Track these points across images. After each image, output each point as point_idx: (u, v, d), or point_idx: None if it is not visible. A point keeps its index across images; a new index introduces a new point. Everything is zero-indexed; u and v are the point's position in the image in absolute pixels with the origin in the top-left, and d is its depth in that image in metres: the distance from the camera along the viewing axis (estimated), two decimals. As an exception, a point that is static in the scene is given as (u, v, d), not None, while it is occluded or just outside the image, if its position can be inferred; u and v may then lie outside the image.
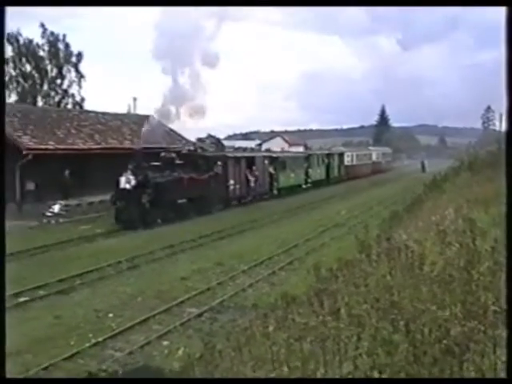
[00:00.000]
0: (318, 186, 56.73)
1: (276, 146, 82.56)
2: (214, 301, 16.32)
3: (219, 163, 38.07)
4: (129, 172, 29.94)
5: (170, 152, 34.78)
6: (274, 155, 50.82)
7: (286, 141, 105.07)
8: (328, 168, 62.84)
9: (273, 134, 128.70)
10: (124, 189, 29.88)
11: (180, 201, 32.72)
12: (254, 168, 43.45)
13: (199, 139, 48.04)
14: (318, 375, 5.36)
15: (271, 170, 47.45)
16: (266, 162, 46.80)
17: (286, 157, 54.29)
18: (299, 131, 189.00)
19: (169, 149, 36.64)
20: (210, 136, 48.26)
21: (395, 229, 16.40)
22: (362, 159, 77.63)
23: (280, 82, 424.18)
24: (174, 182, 32.27)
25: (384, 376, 5.12)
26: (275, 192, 48.04)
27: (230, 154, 41.88)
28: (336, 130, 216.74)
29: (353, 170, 71.31)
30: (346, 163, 69.77)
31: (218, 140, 60.42)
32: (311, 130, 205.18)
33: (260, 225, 32.30)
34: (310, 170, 57.03)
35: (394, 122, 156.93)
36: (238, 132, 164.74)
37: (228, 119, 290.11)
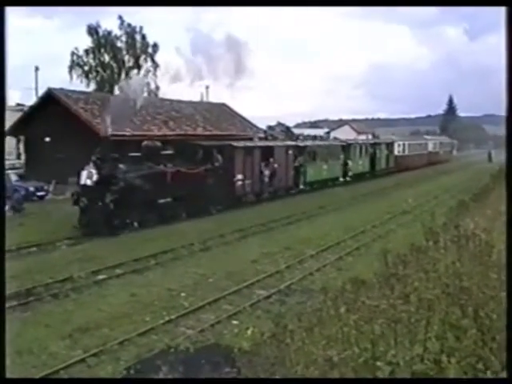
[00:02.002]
0: (359, 179, 50.48)
1: (344, 134, 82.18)
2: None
3: (217, 154, 31.74)
4: (91, 165, 25.08)
5: (153, 140, 29.69)
6: (301, 144, 44.52)
7: (354, 129, 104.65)
8: (373, 159, 56.02)
9: (341, 123, 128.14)
10: (85, 185, 25.21)
11: (162, 200, 26.88)
12: (271, 160, 36.94)
13: (269, 127, 47.74)
14: (389, 357, 5.52)
15: (298, 161, 41.29)
16: (290, 152, 40.33)
17: (317, 146, 47.35)
18: (367, 120, 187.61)
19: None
20: (279, 124, 48.53)
21: (462, 217, 16.35)
22: (415, 149, 70.95)
23: (349, 71, 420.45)
24: (152, 176, 26.47)
25: (452, 360, 5.25)
26: (302, 187, 41.96)
27: (236, 144, 34.76)
28: (403, 119, 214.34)
29: (404, 161, 64.45)
30: (396, 153, 63.34)
31: (288, 128, 60.48)
32: (379, 119, 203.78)
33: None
34: (349, 162, 50.20)
35: (462, 112, 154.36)
36: (306, 120, 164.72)
37: (298, 107, 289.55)
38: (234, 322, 13.31)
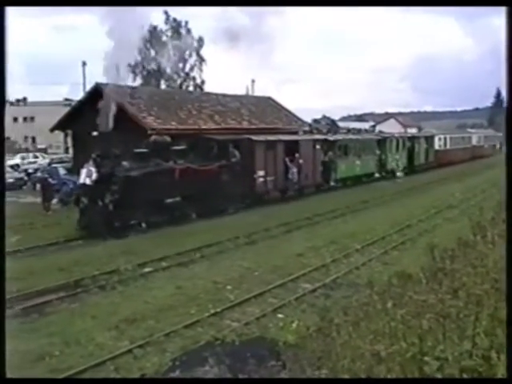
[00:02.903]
0: (396, 175, 48.42)
1: (390, 127, 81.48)
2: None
3: (233, 149, 29.70)
4: (90, 162, 23.67)
5: (163, 135, 27.58)
6: (331, 138, 41.70)
7: (400, 122, 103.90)
8: (412, 153, 53.42)
9: (387, 116, 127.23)
10: (84, 184, 24.03)
11: (170, 200, 25.08)
12: (296, 155, 34.51)
13: (314, 120, 47.28)
14: (437, 352, 5.46)
15: (328, 156, 38.97)
16: (318, 146, 37.58)
17: (349, 140, 44.59)
18: (413, 113, 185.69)
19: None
20: (324, 117, 48.31)
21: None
22: (457, 143, 67.79)
23: (394, 64, 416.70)
24: (158, 174, 24.58)
25: (502, 357, 5.17)
26: (333, 183, 39.59)
27: (256, 138, 32.09)
28: (450, 112, 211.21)
29: (445, 156, 61.56)
30: (437, 147, 60.42)
31: (333, 121, 60.17)
32: (425, 112, 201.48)
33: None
34: (385, 156, 47.89)
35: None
36: (352, 113, 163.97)
37: (343, 101, 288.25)
38: (279, 316, 13.29)
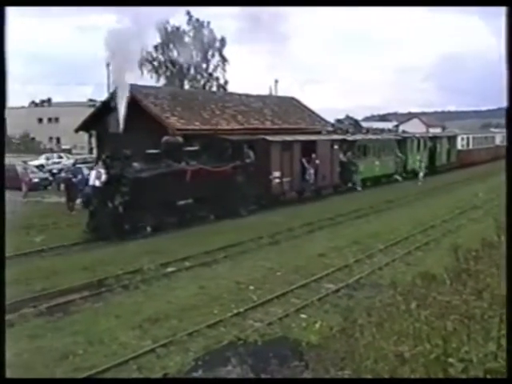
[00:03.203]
0: (417, 175, 45.95)
1: (413, 127, 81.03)
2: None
3: (248, 150, 29.00)
4: (100, 164, 23.42)
5: (175, 135, 26.89)
6: (350, 138, 41.24)
7: (424, 122, 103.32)
8: (433, 154, 51.96)
9: (410, 116, 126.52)
10: (94, 186, 23.91)
11: (181, 202, 24.54)
12: (313, 156, 33.63)
13: (338, 120, 47.01)
14: (461, 353, 5.42)
15: (346, 157, 38.33)
16: (336, 147, 36.90)
17: (368, 140, 43.74)
18: (437, 113, 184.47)
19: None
20: (348, 117, 48.06)
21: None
22: (480, 143, 66.14)
23: (418, 63, 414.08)
24: (169, 175, 23.93)
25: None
26: (351, 184, 38.73)
27: (271, 138, 31.45)
28: (474, 111, 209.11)
29: (468, 156, 60.00)
30: (459, 147, 58.77)
31: (356, 121, 59.95)
32: (449, 112, 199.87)
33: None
34: (405, 157, 46.68)
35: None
36: (375, 113, 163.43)
37: (367, 101, 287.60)
38: (302, 316, 13.28)
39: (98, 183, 23.48)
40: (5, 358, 4.57)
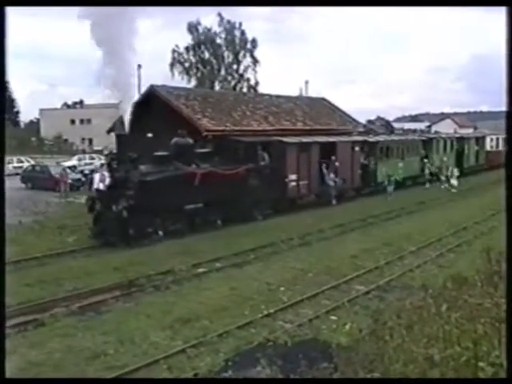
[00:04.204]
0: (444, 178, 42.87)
1: (446, 127, 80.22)
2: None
3: (262, 152, 27.84)
4: (104, 167, 22.30)
5: (185, 137, 25.00)
6: (371, 140, 39.12)
7: (456, 122, 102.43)
8: (460, 155, 49.82)
9: (442, 116, 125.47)
10: (98, 190, 23.10)
11: (190, 206, 23.39)
12: (332, 158, 32.56)
13: (369, 121, 46.36)
14: (492, 357, 5.37)
15: (368, 159, 37.13)
16: (357, 148, 35.63)
17: (391, 142, 41.62)
18: (469, 113, 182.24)
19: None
20: (379, 118, 47.57)
21: None
22: None
23: (450, 63, 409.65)
24: (177, 178, 22.92)
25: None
26: (373, 188, 37.44)
27: (287, 140, 30.34)
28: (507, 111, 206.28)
29: (497, 157, 54.34)
30: (488, 148, 56.38)
31: (388, 122, 59.34)
32: (481, 112, 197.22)
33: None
34: (431, 159, 44.59)
35: None
36: (407, 114, 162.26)
37: (398, 101, 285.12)
38: (332, 318, 13.25)
39: (102, 186, 22.96)
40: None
